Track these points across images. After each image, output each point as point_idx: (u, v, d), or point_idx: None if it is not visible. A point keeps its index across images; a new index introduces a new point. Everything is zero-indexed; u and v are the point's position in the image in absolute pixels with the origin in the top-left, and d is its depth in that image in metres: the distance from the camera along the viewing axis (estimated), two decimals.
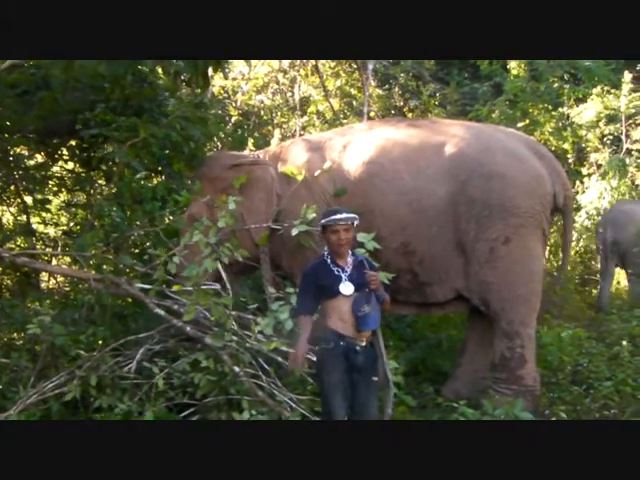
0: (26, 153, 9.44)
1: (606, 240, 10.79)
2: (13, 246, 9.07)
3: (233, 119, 13.64)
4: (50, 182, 9.69)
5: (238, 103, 14.52)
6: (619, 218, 10.75)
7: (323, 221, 4.86)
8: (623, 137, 13.80)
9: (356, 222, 4.91)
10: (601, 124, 13.70)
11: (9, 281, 9.12)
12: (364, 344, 4.78)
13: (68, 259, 9.56)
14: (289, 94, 15.71)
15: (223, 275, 6.46)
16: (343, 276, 4.81)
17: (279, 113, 15.80)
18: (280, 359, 6.00)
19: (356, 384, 4.76)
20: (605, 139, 13.95)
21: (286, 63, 14.92)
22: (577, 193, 13.19)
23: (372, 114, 14.84)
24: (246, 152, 10.02)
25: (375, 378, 4.81)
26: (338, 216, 4.82)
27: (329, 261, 4.86)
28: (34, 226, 9.79)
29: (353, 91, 15.74)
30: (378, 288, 4.83)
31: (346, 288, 4.77)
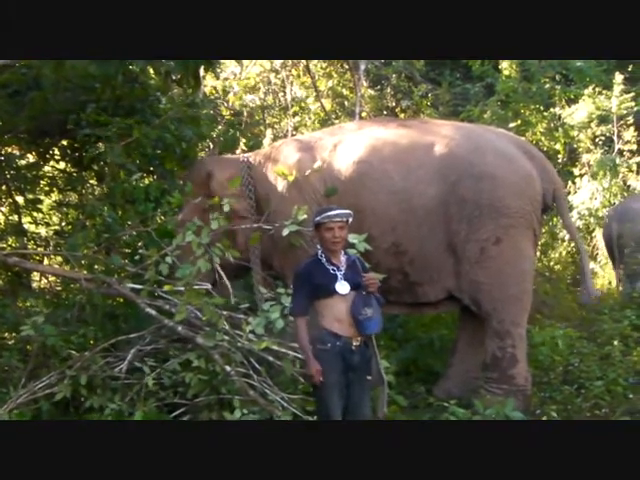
0: (17, 153, 9.42)
1: (612, 234, 10.74)
2: (4, 246, 9.05)
3: (225, 119, 13.61)
4: (42, 182, 9.68)
5: (230, 103, 14.49)
6: (628, 214, 10.69)
7: (318, 218, 4.83)
8: (615, 138, 13.82)
9: (350, 219, 4.91)
10: (593, 125, 13.71)
11: (0, 281, 9.10)
12: (359, 343, 4.76)
13: (59, 259, 9.55)
14: (281, 94, 15.68)
15: (223, 276, 6.47)
16: (339, 275, 4.77)
17: (271, 113, 15.77)
18: (271, 358, 6.02)
19: (351, 383, 4.74)
20: (597, 140, 13.97)
21: (278, 63, 14.88)
22: (569, 194, 13.20)
23: (364, 114, 14.82)
24: (237, 153, 10.02)
25: (369, 377, 4.80)
26: (333, 212, 4.81)
27: (324, 260, 4.83)
28: (25, 226, 9.76)
29: (345, 91, 15.71)
30: (376, 291, 4.83)
31: (342, 287, 4.73)
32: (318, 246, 4.98)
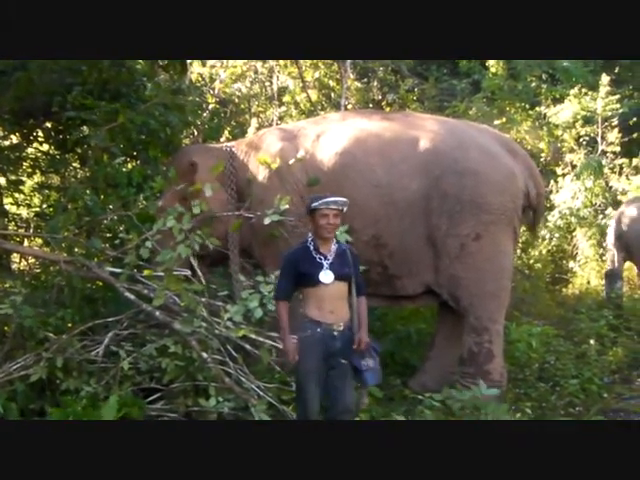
0: (1, 134, 9.38)
1: (614, 234, 10.78)
2: None
3: (210, 107, 13.58)
4: (24, 163, 9.63)
5: (216, 91, 14.45)
6: (629, 213, 10.72)
7: (314, 204, 4.84)
8: (599, 139, 13.90)
9: (345, 209, 4.92)
10: (577, 125, 13.79)
11: None
12: (341, 329, 4.81)
13: (40, 241, 9.50)
14: (267, 83, 15.65)
15: (194, 263, 6.47)
16: (324, 264, 4.81)
17: (257, 102, 15.74)
18: (248, 347, 6.02)
19: (333, 368, 4.79)
20: (581, 140, 14.04)
21: None
22: (551, 192, 13.28)
23: (350, 106, 14.82)
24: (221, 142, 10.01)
25: (343, 361, 4.81)
26: (331, 199, 4.83)
27: (312, 247, 4.87)
28: (7, 207, 9.73)
29: (331, 83, 15.69)
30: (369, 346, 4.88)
31: (326, 277, 4.77)
32: (310, 233, 4.99)
